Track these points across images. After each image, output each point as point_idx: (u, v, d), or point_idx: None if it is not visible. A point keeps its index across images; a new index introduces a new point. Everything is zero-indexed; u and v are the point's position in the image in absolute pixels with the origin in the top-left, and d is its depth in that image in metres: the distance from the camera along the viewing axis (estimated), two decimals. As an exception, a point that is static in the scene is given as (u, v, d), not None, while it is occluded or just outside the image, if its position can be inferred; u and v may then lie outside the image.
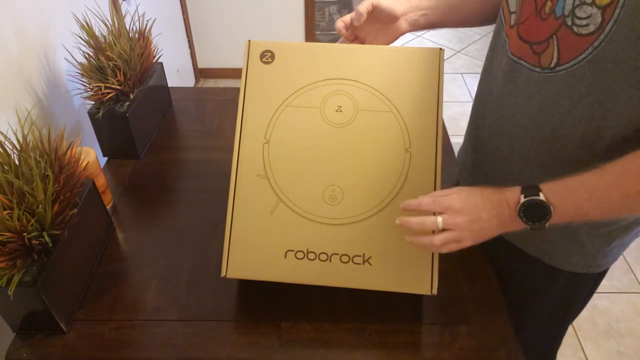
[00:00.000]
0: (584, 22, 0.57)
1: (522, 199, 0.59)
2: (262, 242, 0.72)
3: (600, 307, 1.68)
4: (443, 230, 0.62)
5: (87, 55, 0.98)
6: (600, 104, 0.59)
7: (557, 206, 0.58)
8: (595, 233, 0.72)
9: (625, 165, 0.56)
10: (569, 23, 0.58)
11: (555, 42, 0.61)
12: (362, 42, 0.85)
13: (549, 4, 0.61)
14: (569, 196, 0.58)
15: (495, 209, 0.61)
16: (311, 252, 0.71)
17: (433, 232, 0.63)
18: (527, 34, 0.65)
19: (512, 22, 0.69)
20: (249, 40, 0.77)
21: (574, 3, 0.57)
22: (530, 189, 0.59)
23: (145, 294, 0.78)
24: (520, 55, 0.67)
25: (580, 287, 0.82)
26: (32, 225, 0.65)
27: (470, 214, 0.61)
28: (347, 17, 0.81)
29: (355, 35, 0.85)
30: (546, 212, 0.58)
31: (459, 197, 0.62)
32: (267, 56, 0.76)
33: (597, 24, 0.55)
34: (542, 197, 0.58)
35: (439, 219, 0.61)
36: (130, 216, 0.93)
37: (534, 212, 0.59)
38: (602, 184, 0.57)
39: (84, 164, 0.82)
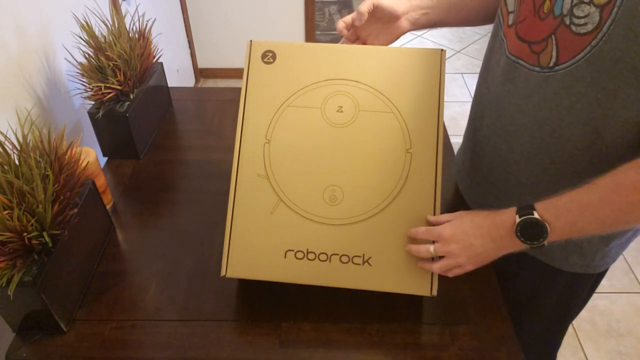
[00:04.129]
0: (582, 21, 0.57)
1: (518, 219, 0.60)
2: (262, 241, 0.72)
3: (600, 307, 1.68)
4: (442, 257, 0.66)
5: (87, 55, 0.98)
6: (599, 103, 0.59)
7: (552, 223, 0.59)
8: (594, 233, 0.72)
9: (615, 179, 0.56)
10: (568, 22, 0.58)
11: (554, 42, 0.61)
12: (364, 42, 0.85)
13: (547, 3, 0.61)
14: (563, 213, 0.59)
15: (488, 234, 0.63)
16: (311, 252, 0.71)
17: (433, 258, 0.68)
18: (525, 33, 0.65)
19: (510, 22, 0.69)
20: (251, 41, 0.77)
21: (572, 2, 0.57)
22: (525, 209, 0.60)
23: (145, 294, 0.78)
24: (519, 54, 0.67)
25: (579, 287, 0.82)
26: (32, 225, 0.65)
27: (461, 242, 0.64)
28: (348, 18, 0.81)
29: (356, 36, 0.85)
30: (542, 230, 0.59)
31: (450, 225, 0.66)
32: (269, 56, 0.76)
33: (595, 23, 0.56)
34: (536, 215, 0.59)
35: (431, 247, 0.66)
36: (130, 216, 0.93)
37: (531, 231, 0.59)
38: (594, 198, 0.57)
39: (84, 164, 0.81)
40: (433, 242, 0.66)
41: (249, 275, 0.72)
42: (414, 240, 0.69)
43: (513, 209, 0.61)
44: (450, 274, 0.67)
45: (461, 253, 0.64)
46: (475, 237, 0.63)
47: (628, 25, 0.53)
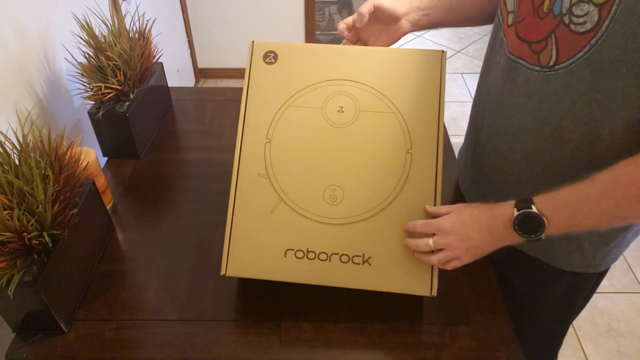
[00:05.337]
0: (581, 19, 0.57)
1: (516, 213, 0.60)
2: (262, 240, 0.72)
3: (600, 307, 1.68)
4: (440, 249, 0.66)
5: (87, 55, 0.98)
6: (598, 102, 0.59)
7: (550, 218, 0.59)
8: (594, 233, 0.72)
9: (614, 175, 0.56)
10: (567, 21, 0.58)
11: (553, 41, 0.61)
12: (365, 44, 0.85)
13: (546, 2, 0.61)
14: (561, 208, 0.59)
15: (486, 226, 0.63)
16: (311, 251, 0.71)
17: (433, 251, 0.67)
18: (525, 33, 0.65)
19: (510, 22, 0.69)
20: (252, 41, 0.77)
21: (571, 1, 0.57)
22: (523, 202, 0.60)
23: (145, 294, 0.78)
24: (519, 54, 0.67)
25: (580, 287, 0.82)
26: (32, 225, 0.65)
27: (459, 234, 0.64)
28: (349, 19, 0.81)
29: (357, 37, 0.85)
30: (540, 224, 0.59)
31: (448, 218, 0.66)
32: (270, 57, 0.76)
33: (594, 21, 0.56)
34: (534, 209, 0.59)
35: (430, 240, 0.66)
36: (130, 216, 0.93)
37: (528, 224, 0.60)
38: (593, 194, 0.57)
39: (84, 164, 0.81)
40: (432, 235, 0.66)
41: (249, 274, 0.72)
42: (412, 234, 0.69)
43: (512, 202, 0.61)
44: (449, 267, 0.66)
45: (459, 245, 0.64)
46: (474, 230, 0.63)
47: (627, 23, 0.53)
